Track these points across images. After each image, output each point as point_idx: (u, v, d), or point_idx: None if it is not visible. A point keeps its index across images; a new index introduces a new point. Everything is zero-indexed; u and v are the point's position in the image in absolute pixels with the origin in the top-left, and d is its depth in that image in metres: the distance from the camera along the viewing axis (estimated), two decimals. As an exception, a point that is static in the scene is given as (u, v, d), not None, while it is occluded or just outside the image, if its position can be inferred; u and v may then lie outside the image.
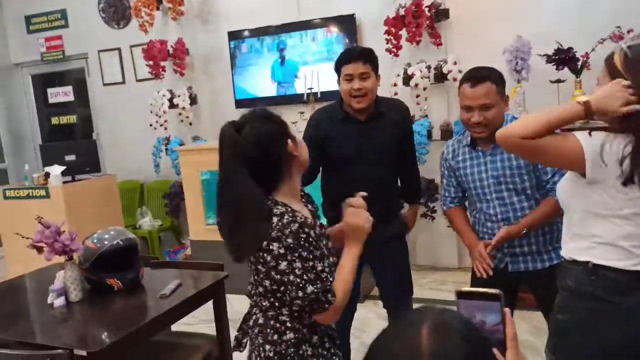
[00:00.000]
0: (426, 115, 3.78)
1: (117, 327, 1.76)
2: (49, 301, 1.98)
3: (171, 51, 4.51)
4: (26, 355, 1.60)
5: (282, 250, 1.23)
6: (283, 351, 1.31)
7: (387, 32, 3.68)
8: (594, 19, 3.29)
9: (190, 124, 4.59)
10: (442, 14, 3.67)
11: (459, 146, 2.00)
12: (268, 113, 1.36)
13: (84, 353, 1.57)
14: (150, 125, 4.61)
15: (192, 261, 2.40)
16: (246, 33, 4.37)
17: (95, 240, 2.04)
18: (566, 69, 3.23)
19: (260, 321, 1.35)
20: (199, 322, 2.93)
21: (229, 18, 4.48)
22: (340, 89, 2.14)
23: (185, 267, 2.42)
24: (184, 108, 4.50)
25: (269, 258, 1.24)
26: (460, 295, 0.80)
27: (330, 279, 1.29)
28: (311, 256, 1.25)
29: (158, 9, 4.51)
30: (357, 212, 1.41)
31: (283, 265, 1.24)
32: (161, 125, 4.58)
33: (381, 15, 3.73)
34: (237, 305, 2.25)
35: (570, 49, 3.18)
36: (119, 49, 5.01)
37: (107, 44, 5.04)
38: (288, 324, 1.32)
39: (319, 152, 2.08)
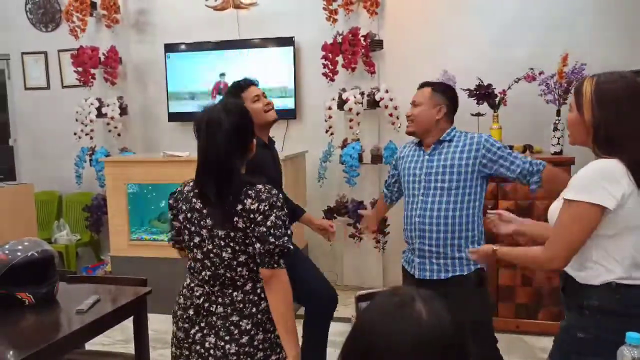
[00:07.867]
0: (358, 139, 3.91)
1: (26, 345, 1.64)
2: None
3: (103, 59, 4.36)
4: None
5: (267, 207, 1.49)
6: (259, 321, 1.53)
7: (324, 58, 3.79)
8: (511, 60, 3.59)
9: (119, 134, 4.42)
10: (376, 44, 3.85)
11: (411, 146, 2.28)
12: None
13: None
14: (75, 134, 4.39)
15: (113, 276, 2.29)
16: (183, 47, 4.32)
17: (6, 251, 1.91)
18: (485, 103, 3.49)
19: (239, 297, 1.53)
20: (115, 342, 2.80)
21: (166, 30, 4.41)
22: (250, 108, 2.46)
23: (105, 282, 2.31)
24: (112, 118, 4.34)
25: (257, 217, 1.49)
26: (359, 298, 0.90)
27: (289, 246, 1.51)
28: (283, 213, 1.52)
29: (92, 15, 4.36)
30: None
31: (261, 219, 1.48)
32: (87, 135, 4.38)
33: (319, 40, 3.84)
34: (158, 324, 2.17)
35: (489, 85, 3.44)
36: (45, 53, 4.77)
37: (32, 46, 4.79)
38: (262, 295, 1.54)
39: None
